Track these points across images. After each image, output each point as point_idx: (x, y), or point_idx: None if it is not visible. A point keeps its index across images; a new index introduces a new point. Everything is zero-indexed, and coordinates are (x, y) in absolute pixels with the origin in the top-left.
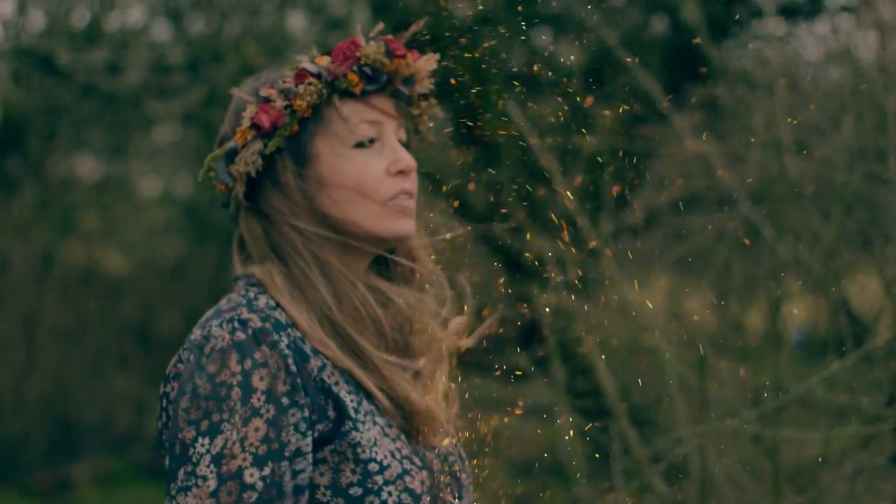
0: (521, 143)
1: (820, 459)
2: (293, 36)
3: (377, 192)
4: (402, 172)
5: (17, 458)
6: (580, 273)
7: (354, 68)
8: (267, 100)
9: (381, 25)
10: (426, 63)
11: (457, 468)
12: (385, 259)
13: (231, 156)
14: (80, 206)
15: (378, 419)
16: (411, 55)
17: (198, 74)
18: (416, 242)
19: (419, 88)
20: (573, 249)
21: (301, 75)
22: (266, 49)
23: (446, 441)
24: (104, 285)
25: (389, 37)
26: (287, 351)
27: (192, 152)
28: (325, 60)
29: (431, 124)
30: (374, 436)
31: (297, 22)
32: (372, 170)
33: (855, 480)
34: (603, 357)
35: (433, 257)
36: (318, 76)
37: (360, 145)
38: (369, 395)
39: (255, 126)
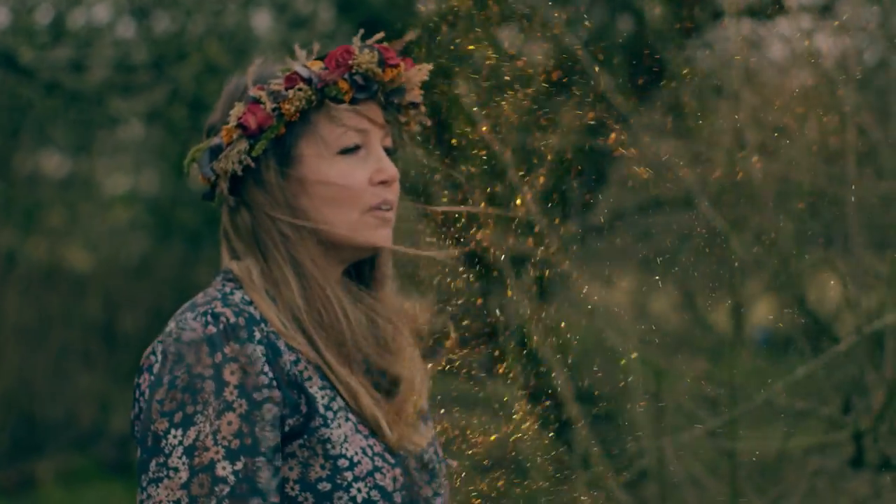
0: (483, 141)
1: (781, 459)
2: (258, 35)
3: (358, 199)
4: (384, 182)
5: None
6: (542, 273)
7: (346, 76)
8: (256, 100)
9: (380, 34)
10: (418, 73)
11: (433, 466)
12: (357, 267)
13: (215, 152)
14: (45, 203)
15: (351, 416)
16: (405, 64)
17: (162, 73)
18: (384, 251)
19: (409, 97)
20: (536, 249)
21: (292, 79)
22: (230, 48)
23: (423, 440)
24: (68, 282)
25: (385, 45)
26: (259, 346)
27: (156, 150)
28: (317, 65)
29: (417, 129)
30: (345, 432)
31: (261, 21)
32: (355, 177)
33: (815, 480)
34: (562, 358)
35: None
36: (308, 81)
37: (344, 151)
38: None
39: (241, 126)
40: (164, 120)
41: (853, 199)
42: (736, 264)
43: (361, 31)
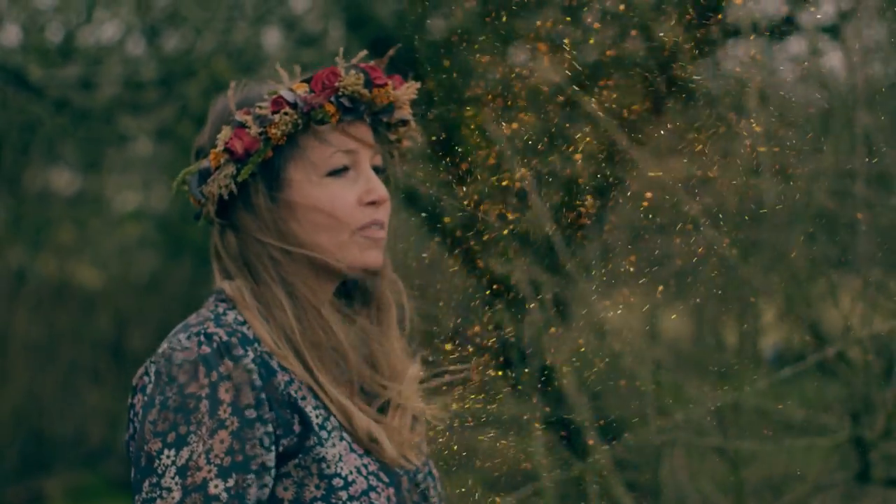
0: (496, 160)
1: (790, 472)
2: (267, 52)
3: (348, 221)
4: (374, 203)
5: None
6: (555, 294)
7: (332, 99)
8: (242, 125)
9: (363, 53)
10: (406, 91)
11: (426, 486)
12: (353, 289)
13: (204, 175)
14: (55, 221)
15: (345, 435)
16: (393, 82)
17: (171, 90)
18: (384, 272)
19: (398, 115)
20: (549, 271)
21: (277, 103)
22: (238, 65)
23: (417, 460)
24: (77, 300)
25: (371, 64)
26: (252, 365)
27: (165, 167)
28: (302, 88)
29: (409, 145)
30: (339, 451)
31: (271, 38)
32: (344, 199)
33: (820, 495)
34: (578, 380)
35: (399, 286)
36: (294, 106)
37: (333, 173)
38: None
39: (228, 151)
40: (174, 137)
41: (863, 219)
42: (747, 284)
43: (341, 50)
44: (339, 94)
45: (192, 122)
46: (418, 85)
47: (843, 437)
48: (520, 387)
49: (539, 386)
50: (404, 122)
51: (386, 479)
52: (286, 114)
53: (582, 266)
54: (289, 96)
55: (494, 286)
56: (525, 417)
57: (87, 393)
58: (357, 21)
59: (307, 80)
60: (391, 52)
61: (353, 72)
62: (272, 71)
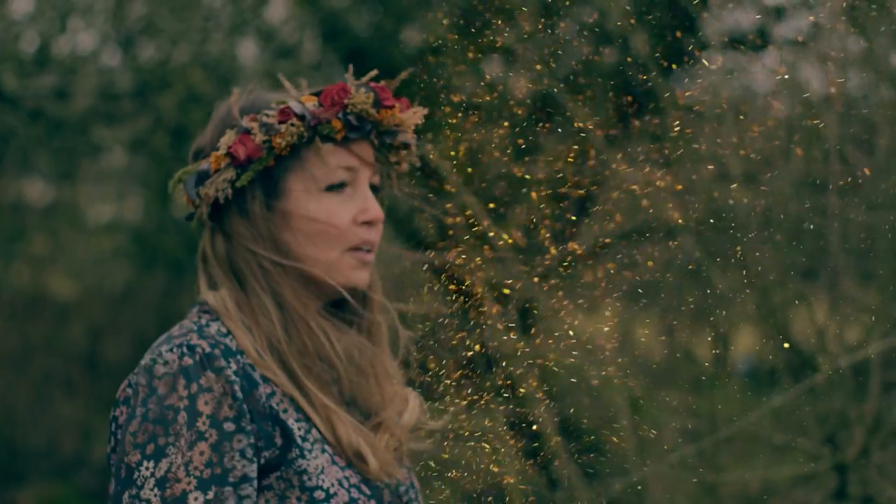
0: (467, 172)
1: (764, 496)
2: (243, 64)
3: (340, 238)
4: (368, 223)
5: None
6: (524, 304)
7: (339, 115)
8: (247, 131)
9: (373, 73)
10: (412, 116)
11: (408, 499)
12: (340, 301)
13: (202, 177)
14: (28, 231)
15: (327, 447)
16: (400, 104)
17: (146, 101)
18: (374, 295)
19: (401, 138)
20: (519, 279)
21: (285, 113)
22: (214, 76)
23: (402, 474)
24: (51, 310)
25: (380, 85)
26: (234, 377)
27: (140, 178)
28: (311, 101)
29: (407, 169)
30: (321, 463)
31: (247, 50)
32: (340, 215)
33: None
34: (546, 391)
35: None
36: (301, 118)
37: (331, 188)
38: None
39: (230, 155)
40: (148, 148)
41: (836, 229)
42: (718, 295)
43: (351, 66)
44: (348, 111)
45: (166, 134)
46: (425, 111)
47: (825, 465)
48: (486, 396)
49: (507, 396)
50: (406, 146)
51: (368, 492)
52: (293, 125)
53: (549, 273)
54: (297, 108)
55: (464, 296)
56: (489, 425)
57: (60, 404)
58: (332, 33)
59: (316, 94)
60: (404, 74)
61: (362, 90)
62: (249, 83)
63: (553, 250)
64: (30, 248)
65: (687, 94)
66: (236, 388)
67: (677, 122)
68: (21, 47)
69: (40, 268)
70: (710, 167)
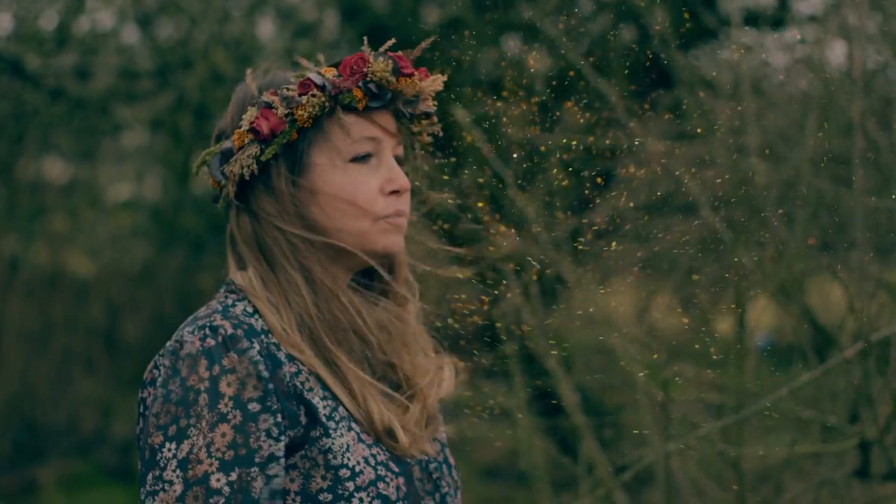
0: (481, 143)
1: (785, 472)
2: (262, 43)
3: (369, 208)
4: (396, 192)
5: None
6: (544, 277)
7: (360, 84)
8: (269, 105)
9: (391, 42)
10: (432, 83)
11: (439, 476)
12: (368, 274)
13: (226, 155)
14: (48, 210)
15: (354, 425)
16: (419, 73)
17: (166, 80)
18: (401, 271)
19: (422, 107)
20: (539, 255)
21: (305, 85)
22: (235, 56)
23: (431, 450)
24: (71, 289)
25: (399, 53)
26: (258, 357)
27: (160, 157)
28: (331, 72)
29: (430, 140)
30: (347, 442)
31: (266, 28)
32: (366, 186)
33: (819, 491)
34: (565, 365)
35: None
36: (322, 88)
37: (356, 159)
38: None
39: (253, 130)
40: (168, 127)
41: (858, 205)
42: (739, 270)
43: (366, 38)
44: (368, 79)
45: (187, 113)
46: (444, 78)
47: (852, 443)
48: (503, 368)
49: (527, 369)
50: (427, 115)
51: (396, 469)
52: (314, 96)
53: (569, 246)
54: (317, 79)
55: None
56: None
57: (79, 382)
58: (352, 11)
59: (335, 65)
60: (425, 44)
61: (381, 59)
62: (269, 61)
63: (573, 223)
64: (49, 227)
65: (706, 68)
66: (261, 367)
67: (697, 97)
68: (41, 26)
69: (59, 246)
70: (730, 141)
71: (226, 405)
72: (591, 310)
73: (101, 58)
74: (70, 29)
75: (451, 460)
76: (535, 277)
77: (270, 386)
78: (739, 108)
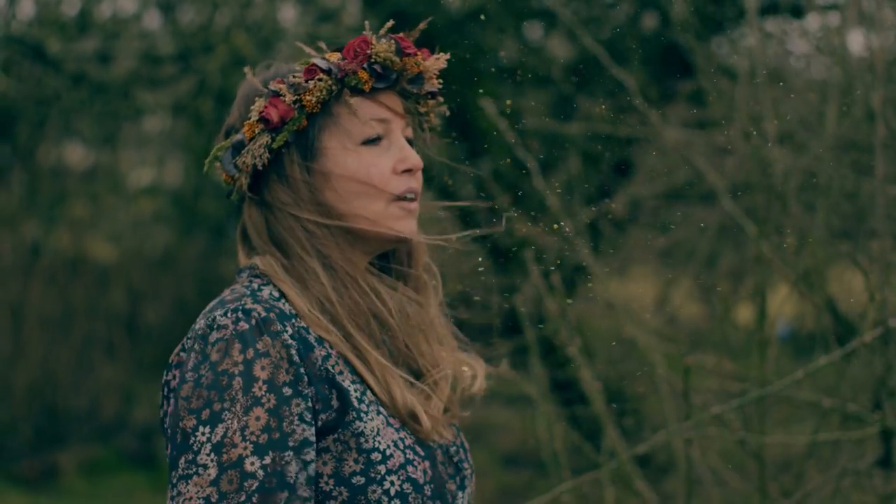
0: (507, 133)
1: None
2: (284, 27)
3: (384, 188)
4: (408, 171)
5: (4, 446)
6: (565, 266)
7: (365, 66)
8: (276, 94)
9: (390, 23)
10: (435, 62)
11: (459, 459)
12: (385, 257)
13: (238, 148)
14: (69, 195)
15: (381, 409)
16: (421, 53)
17: (188, 65)
18: (417, 242)
19: (427, 87)
20: (559, 242)
21: (311, 71)
22: (256, 40)
23: (449, 434)
24: (92, 274)
25: (401, 35)
26: (291, 341)
27: (181, 142)
28: (335, 56)
29: (437, 121)
30: (377, 425)
31: (288, 13)
32: (379, 167)
33: (841, 481)
34: (586, 355)
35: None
36: (328, 72)
37: (367, 142)
38: None
39: (263, 120)
40: (190, 112)
41: (880, 194)
42: (760, 259)
43: (367, 22)
44: (372, 60)
45: (209, 97)
46: (447, 56)
47: (873, 430)
48: (528, 357)
49: (542, 356)
50: (433, 95)
51: (422, 453)
52: (320, 80)
53: (586, 235)
54: (322, 64)
55: (501, 258)
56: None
57: (101, 367)
58: None
59: (338, 49)
60: (422, 25)
61: (383, 40)
62: (291, 47)
63: (593, 211)
64: (70, 213)
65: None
66: (293, 351)
67: (717, 85)
68: (63, 11)
69: (81, 232)
70: (751, 129)
71: (260, 389)
72: (609, 298)
73: (123, 42)
74: (92, 14)
75: (466, 445)
76: (557, 263)
77: (302, 370)
78: (759, 96)
